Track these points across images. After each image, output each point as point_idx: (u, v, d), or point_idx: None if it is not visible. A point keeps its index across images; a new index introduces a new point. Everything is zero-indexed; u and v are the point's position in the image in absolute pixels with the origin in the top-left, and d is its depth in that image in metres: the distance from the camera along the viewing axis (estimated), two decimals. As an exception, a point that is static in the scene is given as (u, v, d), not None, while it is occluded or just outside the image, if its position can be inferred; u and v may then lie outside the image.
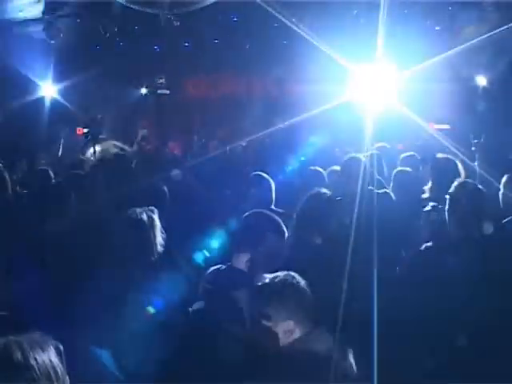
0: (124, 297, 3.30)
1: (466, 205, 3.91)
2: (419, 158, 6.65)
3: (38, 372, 1.70)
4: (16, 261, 4.12)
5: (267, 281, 2.65)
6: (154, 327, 3.20)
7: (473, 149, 6.54)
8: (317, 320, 2.59)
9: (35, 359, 1.71)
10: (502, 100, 10.30)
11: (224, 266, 3.42)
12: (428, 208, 4.70)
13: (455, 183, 4.15)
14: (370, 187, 4.17)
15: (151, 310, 3.33)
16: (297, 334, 2.56)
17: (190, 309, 3.31)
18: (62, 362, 1.79)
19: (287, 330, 2.56)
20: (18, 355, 1.70)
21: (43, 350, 1.75)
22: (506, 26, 7.24)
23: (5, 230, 4.83)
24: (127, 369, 3.14)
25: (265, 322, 2.59)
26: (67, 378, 1.80)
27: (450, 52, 7.90)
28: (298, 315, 2.57)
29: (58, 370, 1.76)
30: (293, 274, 2.67)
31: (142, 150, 9.93)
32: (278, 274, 2.67)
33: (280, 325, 2.56)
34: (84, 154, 8.42)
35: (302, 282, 2.64)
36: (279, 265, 3.40)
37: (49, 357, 1.75)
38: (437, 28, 10.34)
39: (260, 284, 2.66)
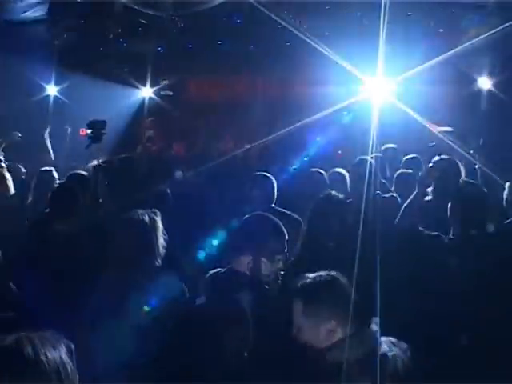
0: (126, 298, 3.31)
1: (468, 205, 3.92)
2: (422, 159, 6.64)
3: (47, 368, 1.72)
4: (20, 261, 4.14)
5: (309, 280, 2.60)
6: (154, 328, 3.21)
7: (471, 151, 6.57)
8: (360, 321, 2.53)
9: (45, 355, 1.73)
10: (507, 101, 10.29)
11: (224, 270, 3.41)
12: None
13: (458, 184, 4.17)
14: (378, 191, 4.19)
15: (152, 311, 3.34)
16: (339, 334, 2.51)
17: (192, 309, 3.31)
18: (72, 361, 1.80)
19: (329, 329, 2.50)
20: (29, 350, 1.71)
21: (54, 348, 1.77)
22: (507, 24, 7.24)
23: (9, 230, 4.85)
24: (128, 369, 3.14)
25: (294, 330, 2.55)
26: (77, 376, 1.81)
27: (453, 53, 7.90)
28: (340, 315, 2.51)
29: (68, 368, 1.78)
30: (335, 273, 2.61)
31: (146, 151, 9.94)
32: (321, 273, 2.62)
33: (322, 325, 2.51)
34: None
35: (346, 282, 2.59)
36: (286, 267, 3.42)
37: (59, 354, 1.77)
38: (440, 30, 10.32)
39: (302, 283, 2.60)
